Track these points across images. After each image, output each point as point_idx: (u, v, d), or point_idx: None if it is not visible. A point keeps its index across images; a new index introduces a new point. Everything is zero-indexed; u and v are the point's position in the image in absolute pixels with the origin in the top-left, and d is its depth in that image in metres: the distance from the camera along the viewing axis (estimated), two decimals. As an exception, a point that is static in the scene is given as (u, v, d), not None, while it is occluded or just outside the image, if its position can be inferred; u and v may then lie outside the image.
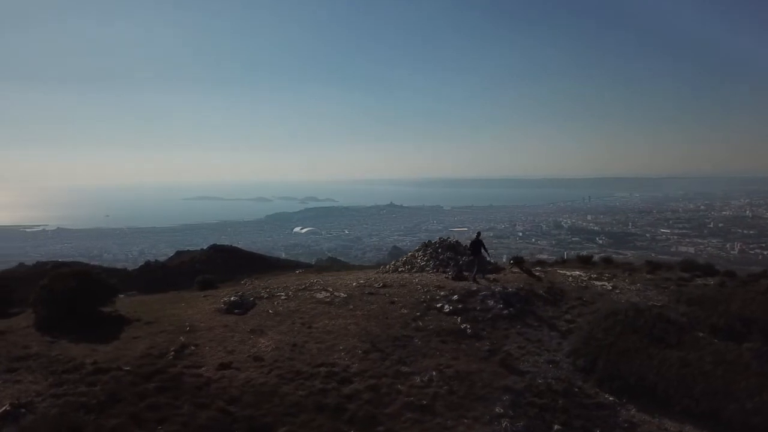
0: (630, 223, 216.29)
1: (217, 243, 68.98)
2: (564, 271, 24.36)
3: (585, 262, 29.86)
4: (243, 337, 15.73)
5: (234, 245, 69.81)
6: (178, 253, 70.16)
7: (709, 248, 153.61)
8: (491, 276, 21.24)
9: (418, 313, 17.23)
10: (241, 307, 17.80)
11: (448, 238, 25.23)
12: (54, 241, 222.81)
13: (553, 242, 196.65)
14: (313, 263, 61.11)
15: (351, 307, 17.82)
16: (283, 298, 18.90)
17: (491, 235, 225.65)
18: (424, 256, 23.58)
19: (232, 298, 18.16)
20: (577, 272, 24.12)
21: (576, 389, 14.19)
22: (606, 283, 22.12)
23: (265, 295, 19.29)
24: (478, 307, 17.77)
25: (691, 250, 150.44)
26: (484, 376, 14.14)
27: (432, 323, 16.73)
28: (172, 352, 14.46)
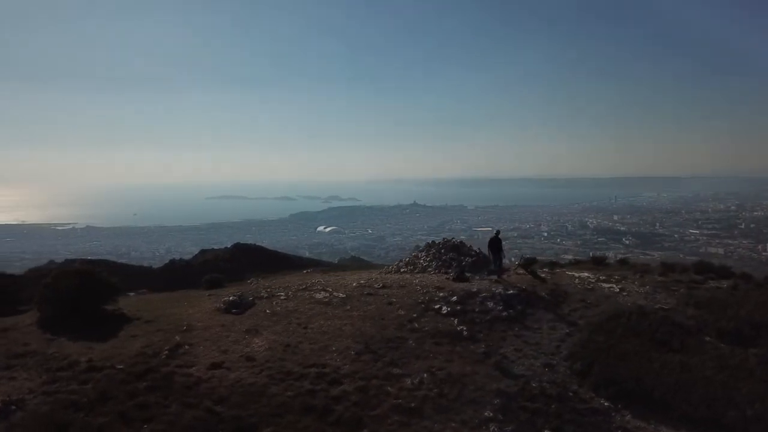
0: (657, 224, 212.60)
1: (241, 241, 69.66)
2: (572, 273, 23.95)
3: (598, 263, 29.33)
4: (238, 336, 15.79)
5: (258, 244, 70.42)
6: (202, 252, 70.96)
7: (739, 249, 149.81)
8: (493, 277, 20.98)
9: (415, 315, 17.10)
10: (239, 306, 17.88)
11: (452, 238, 25.05)
12: (83, 239, 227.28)
13: (579, 242, 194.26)
14: (336, 262, 61.32)
15: (348, 307, 17.76)
16: (282, 298, 18.94)
17: (516, 235, 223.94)
18: (426, 256, 23.43)
19: (230, 298, 18.26)
20: (586, 274, 23.68)
21: (570, 393, 13.94)
22: (613, 285, 21.67)
23: (266, 295, 19.35)
24: (477, 309, 17.57)
25: (721, 251, 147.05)
26: (476, 379, 13.96)
27: (428, 325, 16.58)
28: (166, 351, 14.58)
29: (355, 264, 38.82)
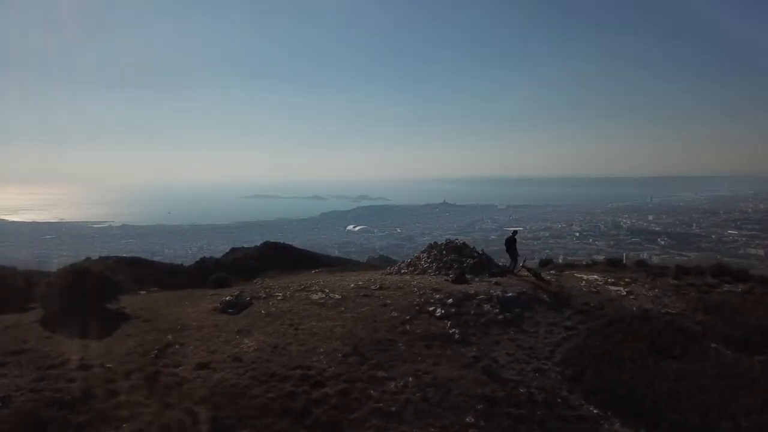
0: (694, 224, 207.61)
1: (271, 240, 70.43)
2: (581, 275, 23.45)
3: (613, 265, 28.70)
4: (229, 337, 15.86)
5: (287, 243, 71.09)
6: (233, 250, 71.95)
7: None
8: (493, 279, 20.64)
9: (408, 317, 16.90)
10: (235, 306, 17.98)
11: (456, 239, 24.71)
12: (119, 236, 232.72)
13: (612, 243, 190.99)
14: (365, 261, 61.48)
15: (342, 309, 17.68)
16: (279, 298, 18.98)
17: (547, 234, 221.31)
18: (428, 258, 23.16)
19: (227, 298, 18.38)
20: (595, 276, 23.16)
21: (559, 400, 13.58)
22: (621, 288, 21.14)
23: (264, 295, 19.42)
24: (472, 312, 17.29)
25: (761, 252, 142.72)
26: (462, 384, 13.71)
27: (420, 327, 16.37)
28: (156, 351, 14.72)
29: (364, 264, 38.64)
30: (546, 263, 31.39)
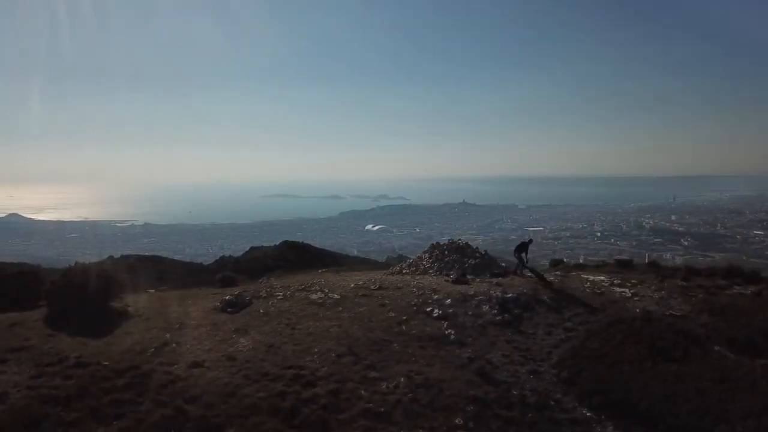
0: (719, 224, 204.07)
1: (289, 239, 71.01)
2: (587, 276, 23.18)
3: (623, 266, 28.32)
4: (225, 336, 15.99)
5: (305, 242, 71.60)
6: (252, 249, 72.74)
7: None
8: (494, 280, 20.49)
9: (404, 317, 16.88)
10: (235, 306, 18.11)
11: (459, 240, 24.58)
12: (141, 235, 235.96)
13: (634, 243, 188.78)
14: (384, 261, 61.71)
15: (340, 309, 17.71)
16: (279, 297, 19.08)
17: (568, 235, 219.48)
18: (430, 258, 23.08)
19: (227, 297, 18.52)
20: (601, 277, 22.88)
21: (552, 402, 13.44)
22: (626, 290, 20.85)
23: (264, 295, 19.54)
24: (470, 313, 17.20)
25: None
26: (454, 385, 13.64)
27: (416, 328, 16.33)
28: (152, 349, 14.90)
29: (368, 265, 38.60)
30: (556, 264, 31.12)
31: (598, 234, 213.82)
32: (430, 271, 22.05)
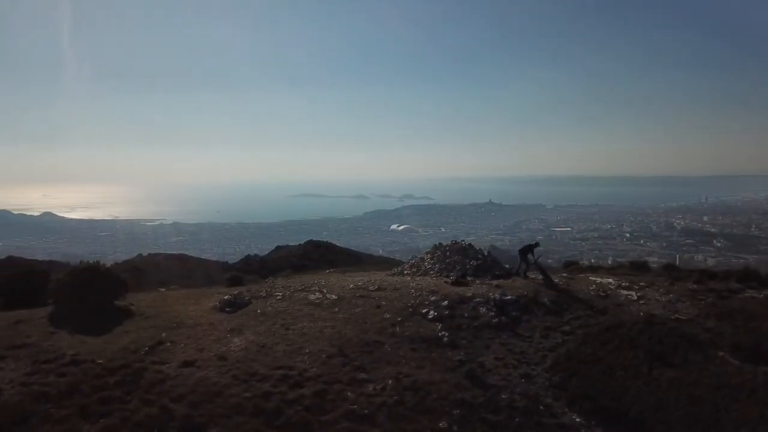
0: (753, 225, 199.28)
1: (314, 239, 71.82)
2: (595, 278, 22.74)
3: (636, 268, 27.76)
4: (220, 335, 16.10)
5: (330, 241, 72.34)
6: (278, 248, 73.66)
7: None
8: (495, 282, 20.22)
9: (399, 319, 16.77)
10: (233, 305, 18.24)
11: (462, 240, 24.35)
12: (170, 234, 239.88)
13: (664, 244, 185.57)
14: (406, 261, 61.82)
15: (336, 309, 17.70)
16: (278, 297, 19.14)
17: (596, 235, 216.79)
18: (431, 259, 22.90)
19: (226, 297, 18.66)
20: (609, 279, 22.41)
21: (542, 407, 13.22)
22: (632, 293, 20.39)
23: (264, 295, 19.63)
24: (466, 315, 17.02)
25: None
26: (442, 387, 13.51)
27: (410, 329, 16.22)
28: (146, 348, 15.09)
29: (385, 265, 38.64)
30: (569, 265, 30.65)
31: (627, 235, 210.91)
32: (431, 272, 21.90)
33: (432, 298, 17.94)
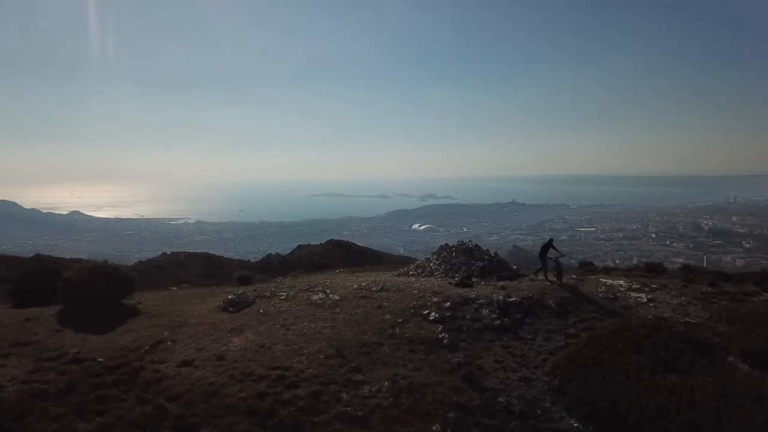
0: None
1: (335, 238, 72.12)
2: (606, 280, 22.35)
3: (651, 270, 27.29)
4: (220, 335, 16.17)
5: (351, 240, 72.63)
6: (299, 247, 74.09)
7: None
8: (500, 283, 19.96)
9: (399, 320, 16.65)
10: (236, 305, 18.31)
11: (469, 241, 24.08)
12: (194, 232, 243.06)
13: (691, 245, 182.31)
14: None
15: (338, 310, 17.64)
16: (282, 297, 19.18)
17: (621, 236, 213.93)
18: (437, 260, 22.69)
19: (230, 297, 18.74)
20: (620, 281, 22.01)
21: (539, 411, 13.00)
22: (643, 296, 19.99)
23: (268, 294, 19.69)
24: (468, 316, 16.83)
25: None
26: (438, 390, 13.36)
27: (410, 331, 16.09)
28: (147, 347, 15.21)
29: (400, 264, 38.55)
30: (585, 266, 30.24)
31: (653, 235, 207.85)
32: (437, 273, 21.71)
33: (434, 300, 17.79)
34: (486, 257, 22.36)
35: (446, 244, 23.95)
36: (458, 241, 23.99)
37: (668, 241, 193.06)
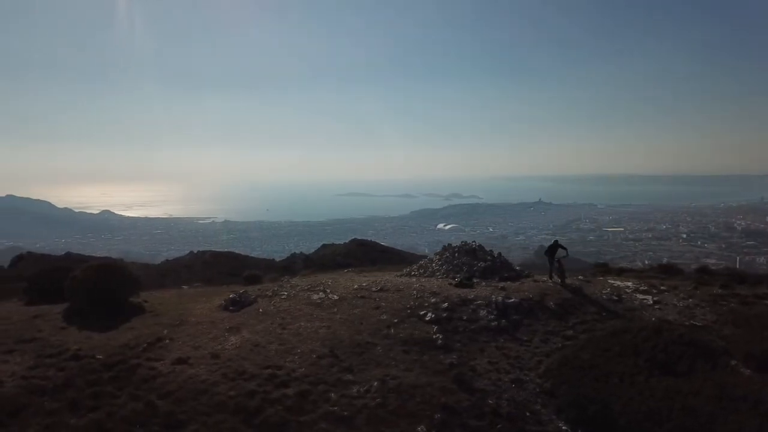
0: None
1: (359, 237, 72.48)
2: (613, 281, 22.01)
3: (665, 272, 26.78)
4: (218, 334, 16.35)
5: (375, 240, 72.92)
6: (323, 246, 74.60)
7: None
8: (501, 284, 19.78)
9: (395, 320, 16.64)
10: (237, 304, 18.50)
11: (473, 242, 23.88)
12: (221, 232, 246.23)
13: (723, 246, 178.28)
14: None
15: (335, 310, 17.71)
16: (283, 297, 19.32)
17: (650, 236, 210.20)
18: (439, 260, 22.58)
19: (231, 296, 18.95)
20: (628, 283, 21.66)
21: (528, 414, 12.90)
22: (649, 297, 19.64)
23: (270, 294, 19.84)
24: (465, 317, 16.74)
25: None
26: (427, 391, 13.32)
27: (404, 331, 16.06)
28: (145, 345, 15.47)
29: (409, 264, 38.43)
30: (598, 267, 29.81)
31: (684, 236, 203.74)
32: (438, 273, 21.62)
33: (432, 300, 17.74)
34: (489, 258, 22.19)
35: (449, 244, 23.82)
36: (462, 242, 23.85)
37: (699, 242, 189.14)
